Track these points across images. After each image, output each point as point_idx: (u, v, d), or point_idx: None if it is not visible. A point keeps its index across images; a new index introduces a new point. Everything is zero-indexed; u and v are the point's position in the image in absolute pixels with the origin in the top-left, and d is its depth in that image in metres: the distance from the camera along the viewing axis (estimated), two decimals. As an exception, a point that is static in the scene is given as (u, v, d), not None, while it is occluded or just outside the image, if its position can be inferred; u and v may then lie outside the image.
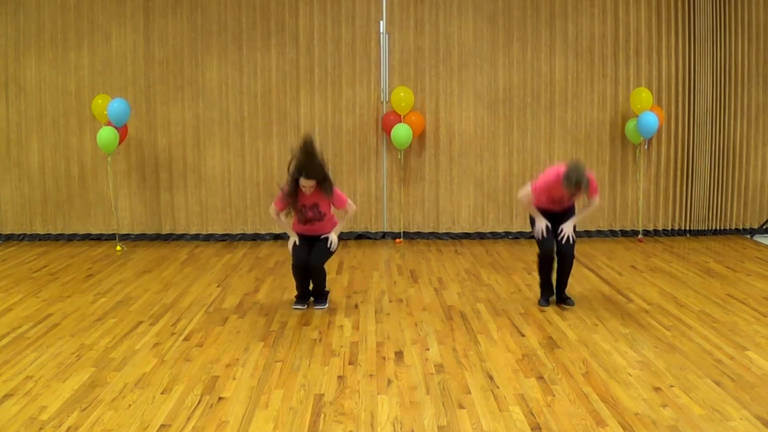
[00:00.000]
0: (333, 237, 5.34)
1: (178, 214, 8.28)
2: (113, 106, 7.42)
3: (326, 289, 5.59)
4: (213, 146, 8.16)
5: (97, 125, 7.82)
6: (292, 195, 5.16)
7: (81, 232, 8.32)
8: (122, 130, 7.67)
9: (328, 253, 5.39)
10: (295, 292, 5.58)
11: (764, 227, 8.33)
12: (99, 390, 3.88)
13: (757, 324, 4.97)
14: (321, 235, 5.38)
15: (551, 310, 5.34)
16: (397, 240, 8.20)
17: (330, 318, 5.23)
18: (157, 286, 6.20)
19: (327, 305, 5.52)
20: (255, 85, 8.09)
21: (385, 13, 8.08)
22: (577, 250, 7.46)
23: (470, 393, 3.82)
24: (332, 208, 5.38)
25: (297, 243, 5.35)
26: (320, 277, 5.44)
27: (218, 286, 6.19)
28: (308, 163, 5.04)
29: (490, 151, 8.20)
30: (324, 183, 5.14)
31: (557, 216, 5.39)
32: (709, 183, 8.23)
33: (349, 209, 5.38)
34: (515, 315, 5.26)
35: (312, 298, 5.58)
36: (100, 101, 7.63)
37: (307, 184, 5.08)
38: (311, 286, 5.52)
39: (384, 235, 8.35)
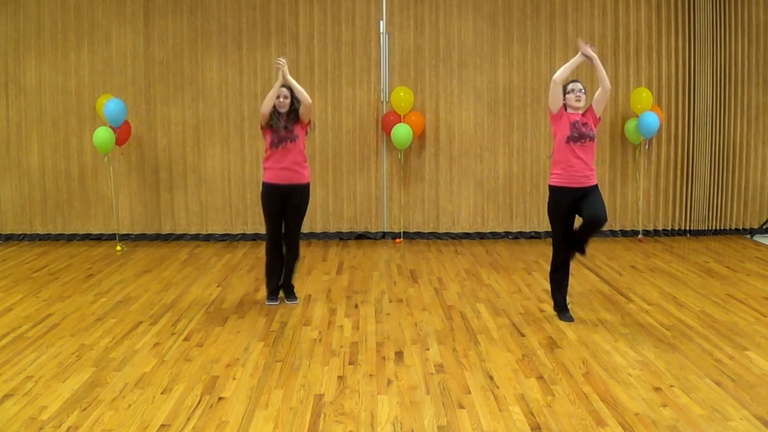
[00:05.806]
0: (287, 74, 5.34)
1: (178, 214, 8.28)
2: (109, 106, 7.42)
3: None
4: (213, 146, 8.16)
5: (98, 125, 7.82)
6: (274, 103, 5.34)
7: (81, 232, 8.32)
8: (124, 130, 7.67)
9: (301, 221, 5.52)
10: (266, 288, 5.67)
11: (764, 227, 8.32)
12: (99, 390, 3.88)
13: (757, 324, 4.97)
14: (295, 185, 5.36)
15: (551, 310, 5.33)
16: (397, 240, 8.20)
17: (330, 318, 5.23)
18: (157, 286, 6.20)
19: (297, 299, 5.66)
20: (255, 85, 8.09)
21: (385, 13, 8.08)
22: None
23: (470, 393, 3.82)
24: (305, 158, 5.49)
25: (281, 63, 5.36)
26: (295, 257, 5.58)
27: (218, 286, 6.19)
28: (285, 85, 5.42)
29: (490, 151, 8.20)
30: (294, 100, 5.37)
31: (579, 199, 4.93)
32: (709, 183, 8.23)
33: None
34: (515, 315, 5.26)
35: (282, 292, 5.68)
36: (103, 101, 7.62)
37: (281, 93, 5.31)
38: (283, 274, 5.62)
39: (384, 235, 8.35)
